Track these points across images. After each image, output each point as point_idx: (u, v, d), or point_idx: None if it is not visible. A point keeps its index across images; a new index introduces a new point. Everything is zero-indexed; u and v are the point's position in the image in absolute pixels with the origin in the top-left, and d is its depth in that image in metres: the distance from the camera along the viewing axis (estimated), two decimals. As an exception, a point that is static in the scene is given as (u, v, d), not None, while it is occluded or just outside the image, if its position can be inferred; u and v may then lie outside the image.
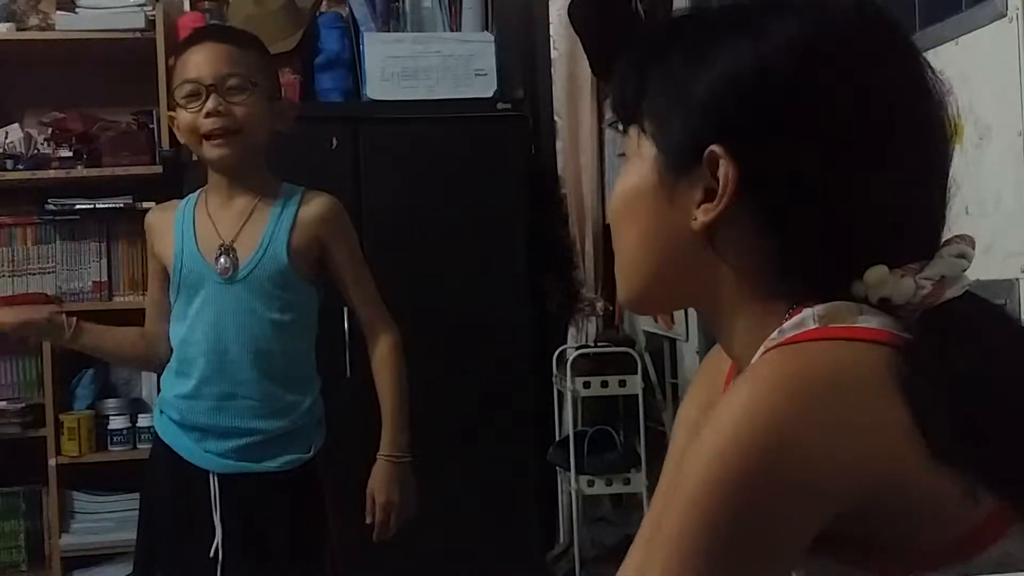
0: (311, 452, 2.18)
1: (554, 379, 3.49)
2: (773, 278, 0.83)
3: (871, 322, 0.78)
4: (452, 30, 3.69)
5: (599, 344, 3.37)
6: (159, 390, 2.30)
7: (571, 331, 3.63)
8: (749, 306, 0.85)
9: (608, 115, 0.97)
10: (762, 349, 0.81)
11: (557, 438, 3.46)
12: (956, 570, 0.75)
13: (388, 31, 3.65)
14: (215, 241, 2.13)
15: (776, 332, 0.81)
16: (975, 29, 1.72)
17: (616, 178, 0.93)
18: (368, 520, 2.17)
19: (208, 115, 2.06)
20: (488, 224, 3.45)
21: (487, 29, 3.71)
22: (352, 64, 3.56)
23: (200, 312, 2.12)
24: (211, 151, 2.09)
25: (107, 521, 3.52)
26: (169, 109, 2.14)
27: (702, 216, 0.84)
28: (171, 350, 2.19)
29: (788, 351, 0.78)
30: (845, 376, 0.75)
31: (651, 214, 0.87)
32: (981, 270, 1.71)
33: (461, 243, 3.41)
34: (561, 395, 3.48)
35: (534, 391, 3.50)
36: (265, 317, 2.11)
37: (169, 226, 2.19)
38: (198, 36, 2.23)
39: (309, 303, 2.20)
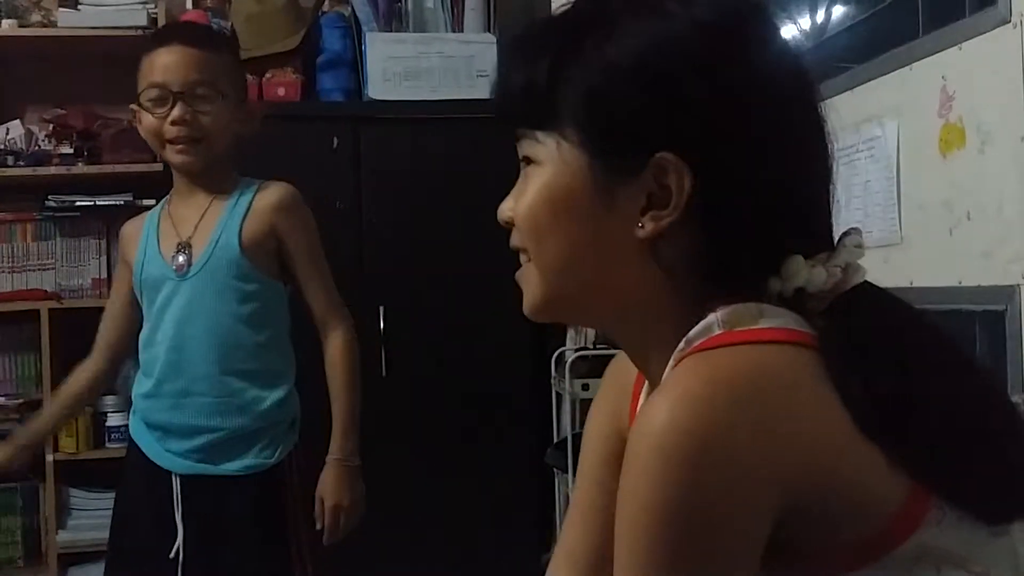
0: (275, 457, 2.10)
1: (552, 381, 3.49)
2: (697, 280, 0.84)
3: (773, 322, 0.80)
4: (454, 31, 3.70)
5: (597, 346, 3.36)
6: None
7: (569, 333, 3.63)
8: (669, 312, 0.85)
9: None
10: (672, 361, 0.82)
11: (555, 440, 3.46)
12: (875, 569, 0.76)
13: (390, 31, 3.65)
14: (174, 240, 2.12)
15: (683, 342, 0.81)
16: (978, 35, 1.73)
17: (526, 185, 0.89)
18: (318, 525, 2.13)
19: (173, 123, 2.05)
20: (488, 225, 3.40)
21: (489, 30, 3.72)
22: (354, 64, 3.56)
23: (160, 311, 2.10)
24: (174, 156, 2.08)
25: (104, 518, 3.46)
26: (135, 103, 2.12)
27: (651, 224, 0.83)
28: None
29: (699, 360, 0.78)
30: (758, 377, 0.76)
31: (585, 222, 0.85)
32: (982, 275, 1.72)
33: (461, 244, 3.42)
34: (559, 397, 3.48)
35: (532, 393, 3.51)
36: (222, 310, 2.07)
37: (138, 234, 2.18)
38: (167, 35, 2.21)
39: (272, 295, 2.14)
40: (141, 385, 2.15)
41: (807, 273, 0.82)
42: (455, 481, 3.37)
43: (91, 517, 3.51)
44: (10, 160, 3.49)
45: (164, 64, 2.06)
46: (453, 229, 3.42)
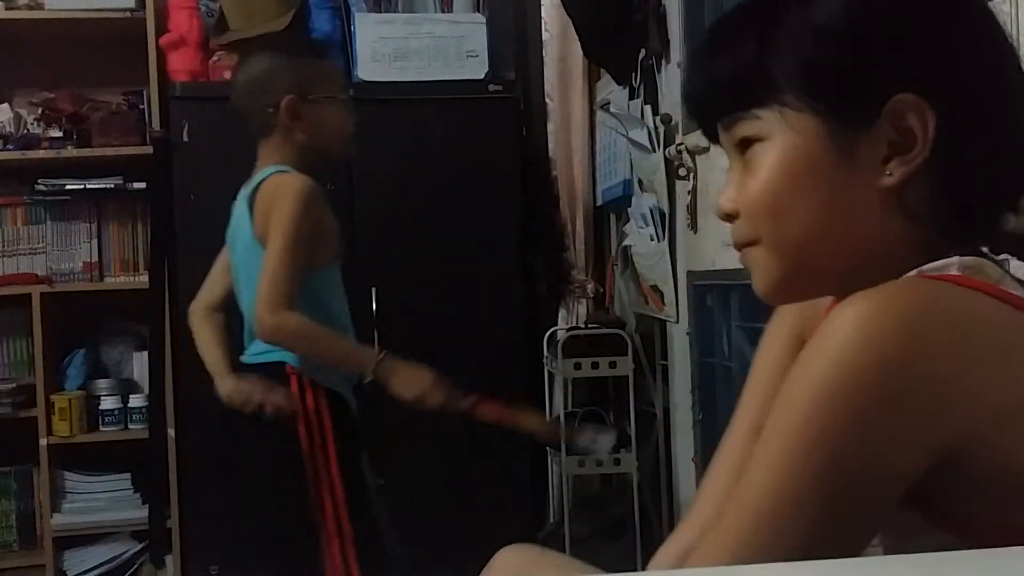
0: None
1: (545, 360, 3.50)
2: (938, 225, 0.82)
3: (1013, 288, 0.79)
4: (444, 11, 3.69)
5: (590, 326, 3.38)
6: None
7: (561, 313, 3.64)
8: (908, 264, 0.83)
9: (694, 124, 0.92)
10: None
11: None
12: None
13: (379, 12, 3.64)
14: None
15: (915, 272, 0.81)
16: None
17: (753, 166, 0.86)
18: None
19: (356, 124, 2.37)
20: (479, 206, 3.46)
21: (479, 11, 3.71)
22: (343, 45, 3.55)
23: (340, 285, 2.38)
24: (348, 149, 2.41)
25: (98, 501, 3.53)
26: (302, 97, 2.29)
27: (899, 169, 0.82)
28: None
29: (921, 282, 0.78)
30: (970, 324, 0.75)
31: (829, 183, 0.84)
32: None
33: (452, 225, 3.42)
34: (552, 376, 3.49)
35: (525, 372, 3.52)
36: None
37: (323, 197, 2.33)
38: (324, 48, 2.75)
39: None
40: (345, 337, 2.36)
41: None
42: (447, 460, 3.38)
43: (85, 500, 3.52)
44: (-1, 144, 3.48)
45: (341, 72, 2.56)
46: (445, 210, 3.42)
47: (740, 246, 0.90)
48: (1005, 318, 0.76)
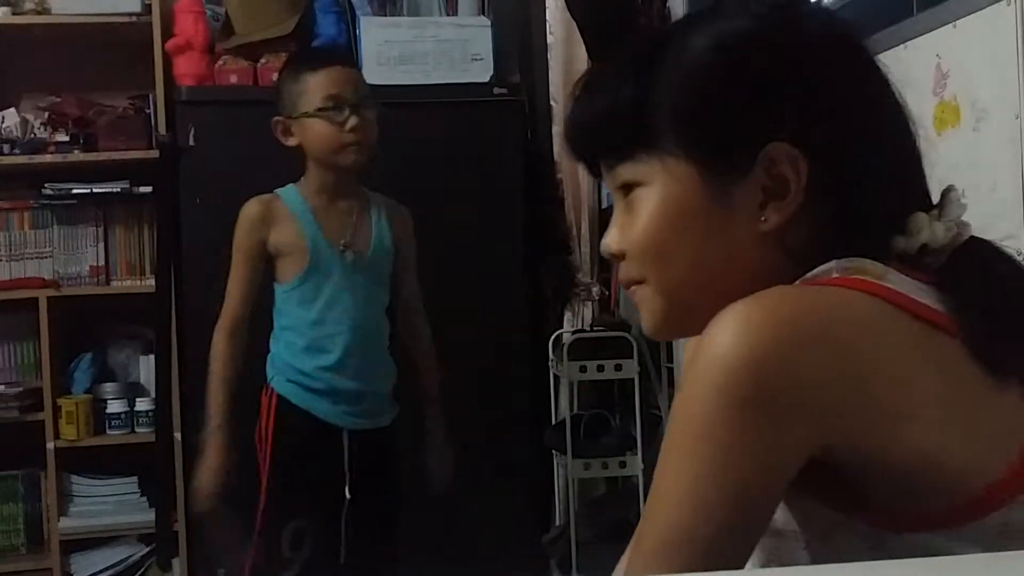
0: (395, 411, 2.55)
1: (550, 363, 3.50)
2: (824, 253, 0.83)
3: (897, 285, 0.80)
4: (448, 14, 3.69)
5: (595, 328, 3.38)
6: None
7: (567, 315, 3.64)
8: None
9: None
10: None
11: (553, 422, 3.47)
12: (951, 534, 0.76)
13: (384, 15, 3.65)
14: (338, 236, 2.44)
15: (798, 281, 0.82)
16: (973, 12, 1.73)
17: (635, 210, 0.88)
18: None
19: (352, 129, 2.38)
20: (484, 209, 3.46)
21: (483, 13, 3.71)
22: (349, 48, 3.56)
23: (334, 297, 2.42)
24: (347, 157, 2.40)
25: (105, 504, 3.54)
26: (289, 116, 2.39)
27: (774, 215, 0.84)
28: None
29: (794, 286, 0.81)
30: (853, 320, 0.77)
31: (708, 230, 0.86)
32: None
33: (457, 227, 3.42)
34: (557, 379, 3.49)
35: (530, 375, 3.52)
36: (382, 299, 2.54)
37: (288, 222, 2.42)
38: (328, 57, 2.62)
39: None
40: (316, 358, 2.42)
41: (930, 228, 0.83)
42: (453, 462, 3.38)
43: (92, 504, 3.53)
44: (5, 148, 3.48)
45: (336, 81, 2.39)
46: (450, 213, 3.42)
47: (628, 285, 0.92)
48: (883, 315, 0.78)
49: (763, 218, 0.84)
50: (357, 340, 2.43)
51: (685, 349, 1.09)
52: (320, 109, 2.36)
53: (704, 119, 0.85)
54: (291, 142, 2.41)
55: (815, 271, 0.82)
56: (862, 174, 0.84)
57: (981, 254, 0.86)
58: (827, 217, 0.84)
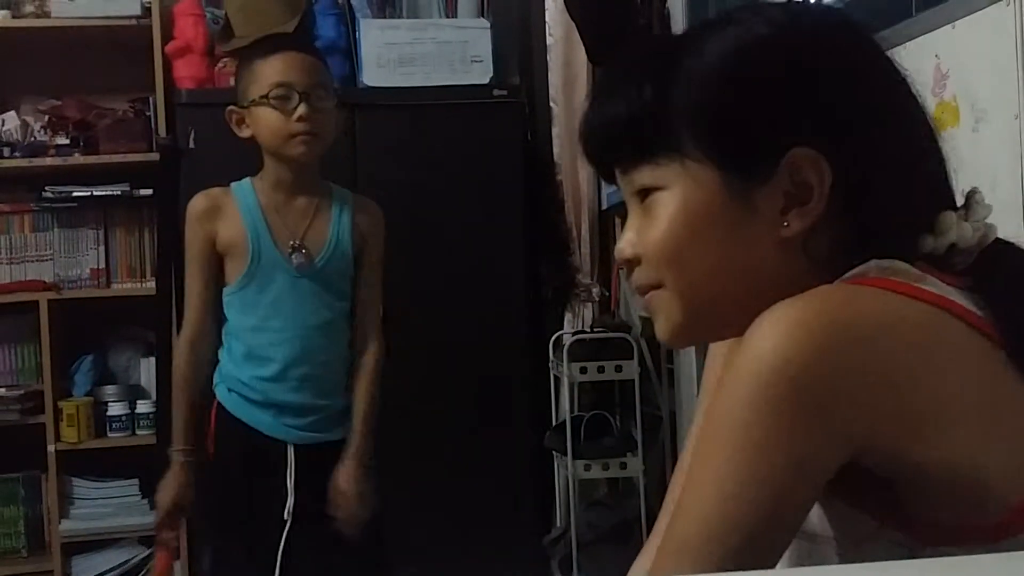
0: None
1: (551, 364, 3.50)
2: (847, 258, 0.83)
3: (934, 288, 0.79)
4: (448, 16, 3.70)
5: (595, 329, 3.37)
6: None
7: (567, 316, 3.64)
8: None
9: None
10: None
11: (554, 423, 3.47)
12: (989, 550, 0.74)
13: (384, 17, 3.65)
14: (288, 237, 2.27)
15: (837, 281, 0.82)
16: (972, 12, 1.73)
17: (653, 214, 0.87)
18: (338, 514, 2.25)
19: (300, 119, 2.21)
20: (484, 210, 3.46)
21: (483, 15, 3.72)
22: (348, 51, 3.56)
23: (277, 302, 2.26)
24: (296, 149, 2.23)
25: (106, 507, 3.54)
26: (239, 106, 2.26)
27: (797, 221, 0.83)
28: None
29: (840, 286, 0.80)
30: (884, 327, 0.76)
31: (728, 235, 0.85)
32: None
33: (457, 229, 3.42)
34: (558, 380, 3.49)
35: (531, 376, 3.52)
36: (336, 306, 2.32)
37: (233, 218, 2.27)
38: (280, 43, 2.38)
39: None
40: (255, 368, 2.27)
41: (958, 228, 0.83)
42: (454, 464, 3.38)
43: (93, 506, 3.54)
44: (6, 151, 3.49)
45: (286, 67, 2.23)
46: (450, 215, 3.42)
47: (643, 290, 0.90)
48: (922, 316, 0.77)
49: (785, 223, 0.83)
50: (301, 350, 2.26)
51: (710, 354, 1.08)
52: (266, 96, 2.20)
53: (728, 123, 0.84)
54: (244, 133, 2.27)
55: (852, 272, 0.81)
56: (886, 179, 0.83)
57: (1012, 257, 0.85)
58: (849, 222, 0.83)
